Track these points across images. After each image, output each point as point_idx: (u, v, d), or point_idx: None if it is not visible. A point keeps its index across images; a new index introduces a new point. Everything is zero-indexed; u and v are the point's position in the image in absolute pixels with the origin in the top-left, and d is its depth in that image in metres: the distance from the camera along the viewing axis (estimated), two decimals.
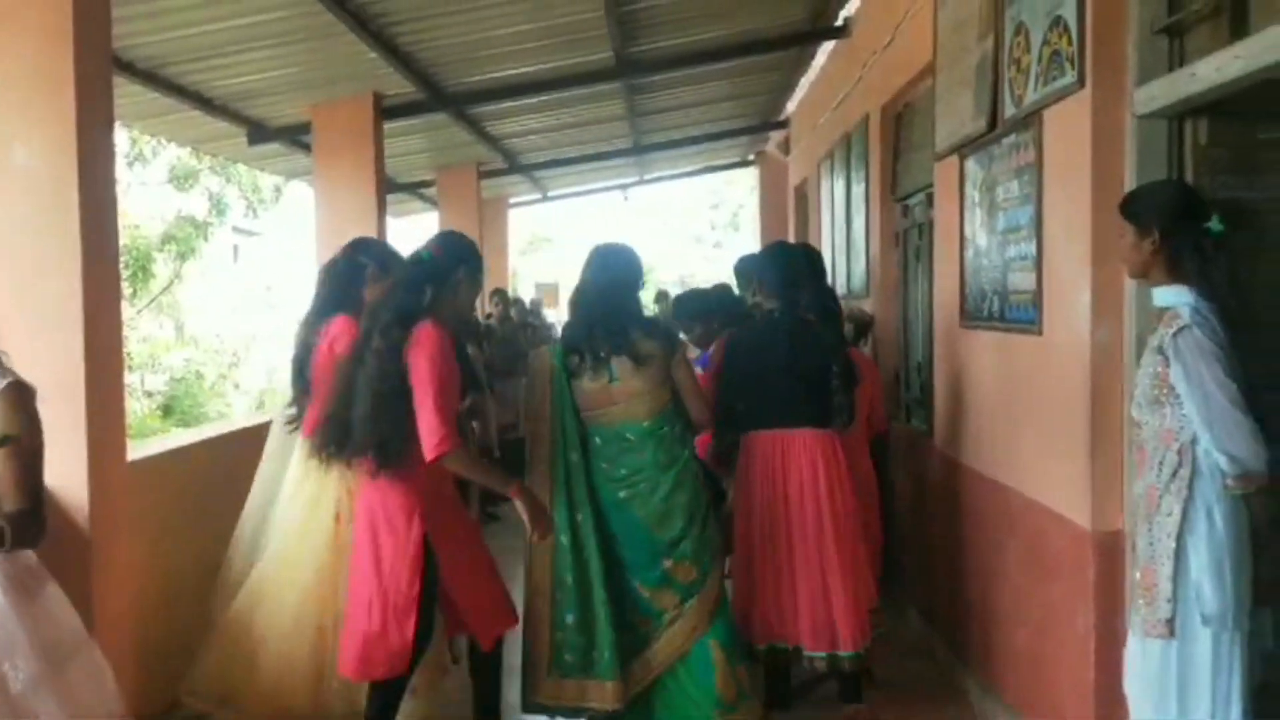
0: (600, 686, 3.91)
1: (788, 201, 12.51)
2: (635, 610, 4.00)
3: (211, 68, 6.30)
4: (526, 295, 16.72)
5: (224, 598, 4.16)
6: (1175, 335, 2.74)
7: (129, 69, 5.93)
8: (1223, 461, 2.69)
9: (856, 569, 4.32)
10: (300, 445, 4.04)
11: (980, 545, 4.59)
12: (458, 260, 3.74)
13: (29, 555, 2.72)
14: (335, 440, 3.64)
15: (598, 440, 4.02)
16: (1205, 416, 2.68)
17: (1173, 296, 2.83)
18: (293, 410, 4.15)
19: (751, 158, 14.83)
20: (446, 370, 3.53)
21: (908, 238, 6.47)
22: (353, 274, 4.15)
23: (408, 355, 3.51)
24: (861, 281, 7.39)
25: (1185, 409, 2.73)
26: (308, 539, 3.99)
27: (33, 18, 3.66)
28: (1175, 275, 2.84)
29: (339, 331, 3.98)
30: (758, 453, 4.37)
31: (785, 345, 4.38)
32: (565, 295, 7.43)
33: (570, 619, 3.93)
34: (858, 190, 7.50)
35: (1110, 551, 3.40)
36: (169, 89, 6.44)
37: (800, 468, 4.31)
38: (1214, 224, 2.79)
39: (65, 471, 3.64)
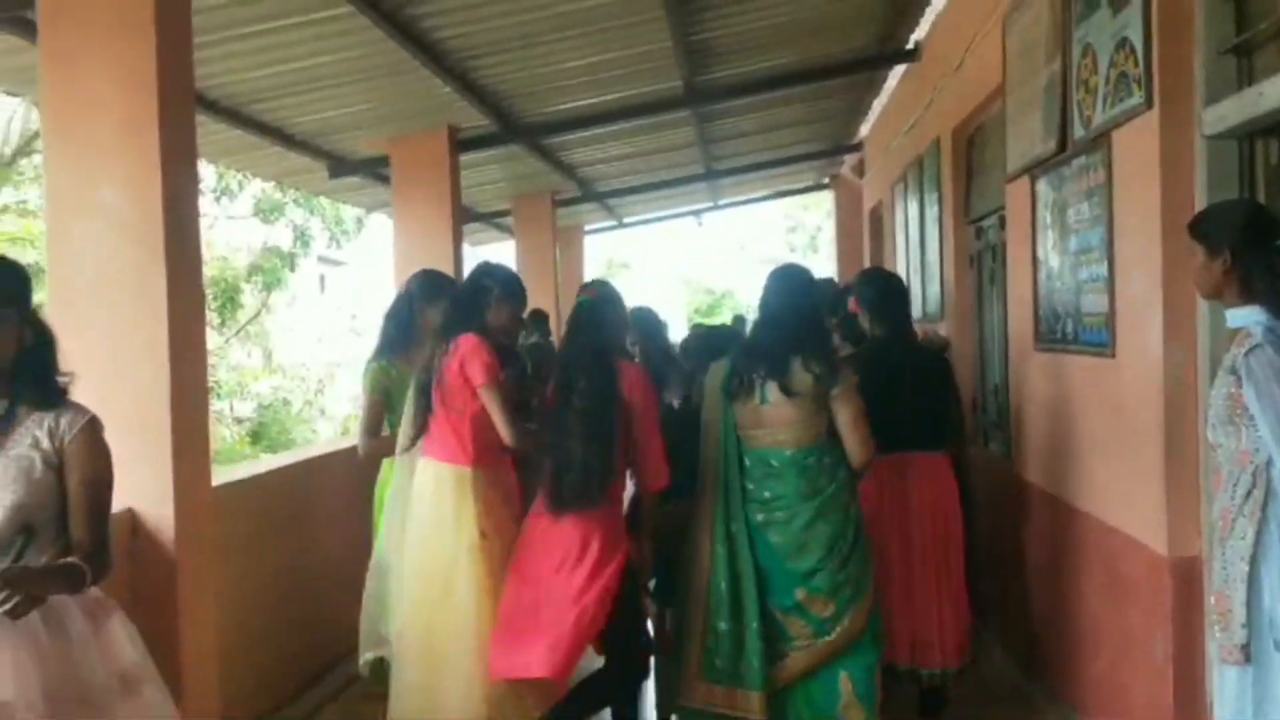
0: (747, 696, 3.89)
1: (863, 224, 12.45)
2: (771, 627, 3.96)
3: (291, 105, 6.48)
4: None
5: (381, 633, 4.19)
6: (1247, 354, 2.69)
7: (212, 107, 6.12)
8: None
9: (963, 589, 4.47)
10: (425, 466, 4.02)
11: (1058, 571, 4.52)
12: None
13: (94, 588, 2.77)
14: (579, 489, 3.79)
15: (746, 461, 4.02)
16: (1279, 436, 2.63)
17: (1245, 316, 2.78)
18: (411, 431, 4.08)
19: (826, 181, 14.77)
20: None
21: (981, 260, 6.41)
22: (477, 296, 4.13)
23: (625, 394, 3.82)
24: (936, 304, 7.33)
25: (1259, 430, 2.68)
26: (460, 560, 3.92)
27: (117, 60, 3.80)
28: (1248, 295, 2.79)
29: (469, 350, 3.93)
30: (883, 477, 4.34)
31: (906, 369, 4.45)
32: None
33: (723, 627, 3.92)
34: (931, 213, 7.46)
35: (1187, 577, 3.34)
36: (250, 126, 6.63)
37: (921, 490, 4.41)
38: None
39: (152, 497, 3.78)
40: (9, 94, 7.18)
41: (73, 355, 3.80)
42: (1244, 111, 3.05)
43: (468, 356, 3.91)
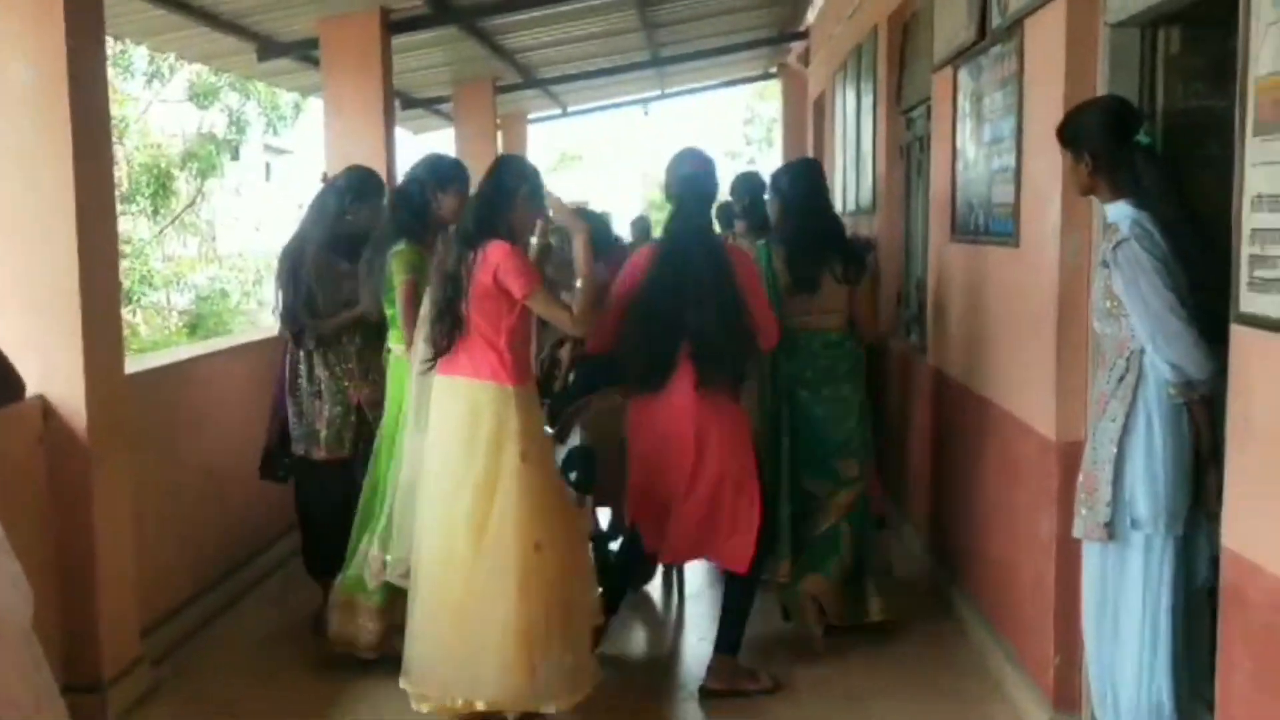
0: (776, 563, 4.31)
1: (807, 115, 12.38)
2: (806, 501, 4.43)
3: None
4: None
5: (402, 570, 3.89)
6: (1115, 248, 2.79)
7: None
8: (1165, 370, 2.74)
9: None
10: (454, 386, 3.69)
11: (962, 457, 4.66)
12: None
13: None
14: (723, 370, 3.90)
15: (795, 344, 4.36)
16: (1146, 326, 2.73)
17: (1116, 211, 2.88)
18: (431, 349, 3.72)
19: (774, 70, 14.64)
20: None
21: (910, 151, 6.43)
22: (504, 197, 3.74)
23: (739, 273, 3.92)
24: (869, 196, 7.36)
25: (1130, 318, 2.77)
26: (500, 485, 3.60)
27: None
28: (1117, 191, 2.88)
29: (503, 259, 3.60)
30: None
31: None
32: (591, 211, 7.48)
33: None
34: (866, 103, 7.44)
35: (1073, 461, 3.42)
36: (174, 5, 6.44)
37: None
38: (1141, 137, 2.85)
39: (64, 383, 3.78)
40: None
41: None
42: None
43: (503, 266, 3.59)
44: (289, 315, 4.45)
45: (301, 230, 4.56)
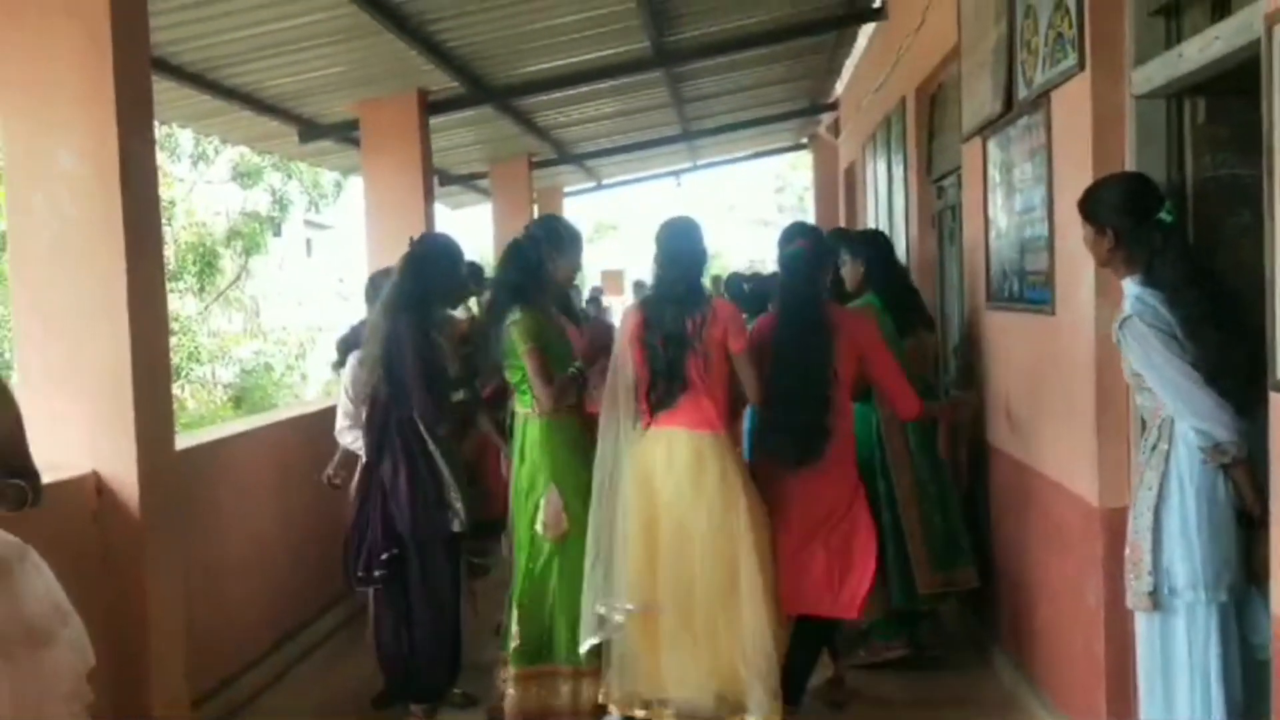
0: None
1: (838, 184, 12.49)
2: None
3: (258, 69, 6.51)
4: (593, 281, 17.08)
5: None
6: (1120, 327, 2.84)
7: (177, 72, 6.15)
8: (1193, 436, 2.75)
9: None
10: (675, 437, 3.96)
11: (1008, 524, 4.64)
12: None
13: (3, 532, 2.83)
14: (811, 446, 3.98)
15: None
16: (1168, 394, 2.78)
17: (1126, 287, 2.93)
18: (654, 404, 4.00)
19: (804, 141, 14.81)
20: None
21: (942, 219, 6.49)
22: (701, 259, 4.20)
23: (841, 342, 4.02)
24: (903, 264, 7.40)
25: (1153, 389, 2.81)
26: (739, 532, 3.90)
27: (72, 26, 3.84)
28: (1131, 268, 2.93)
29: (730, 316, 4.02)
30: None
31: None
32: (630, 280, 7.56)
33: (937, 519, 4.82)
34: (897, 172, 7.53)
35: (1118, 527, 3.42)
36: (219, 90, 6.66)
37: None
38: (1164, 215, 2.88)
39: (116, 459, 3.86)
40: None
41: (34, 319, 3.92)
42: (1167, 72, 3.12)
43: (730, 322, 3.97)
44: (424, 406, 4.24)
45: (400, 310, 4.29)
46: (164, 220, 15.45)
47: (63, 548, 3.71)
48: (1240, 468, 2.73)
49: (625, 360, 4.03)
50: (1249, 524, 2.79)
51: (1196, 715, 2.79)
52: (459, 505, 4.26)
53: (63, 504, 3.72)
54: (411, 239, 4.48)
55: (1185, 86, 3.19)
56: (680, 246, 4.11)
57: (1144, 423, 3.06)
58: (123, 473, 3.87)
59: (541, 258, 4.34)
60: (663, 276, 4.10)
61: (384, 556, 4.23)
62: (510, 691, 4.20)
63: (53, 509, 3.67)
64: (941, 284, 6.56)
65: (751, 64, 9.33)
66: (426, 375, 4.21)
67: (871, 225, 8.90)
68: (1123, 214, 2.93)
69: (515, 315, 4.21)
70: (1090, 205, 3.04)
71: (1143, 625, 2.91)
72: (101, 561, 3.86)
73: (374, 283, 4.85)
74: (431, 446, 4.25)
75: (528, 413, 4.29)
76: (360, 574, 4.30)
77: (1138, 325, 2.81)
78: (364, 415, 4.45)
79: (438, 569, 4.28)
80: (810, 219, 15.71)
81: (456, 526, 4.27)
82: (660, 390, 3.97)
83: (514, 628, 4.22)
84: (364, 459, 4.43)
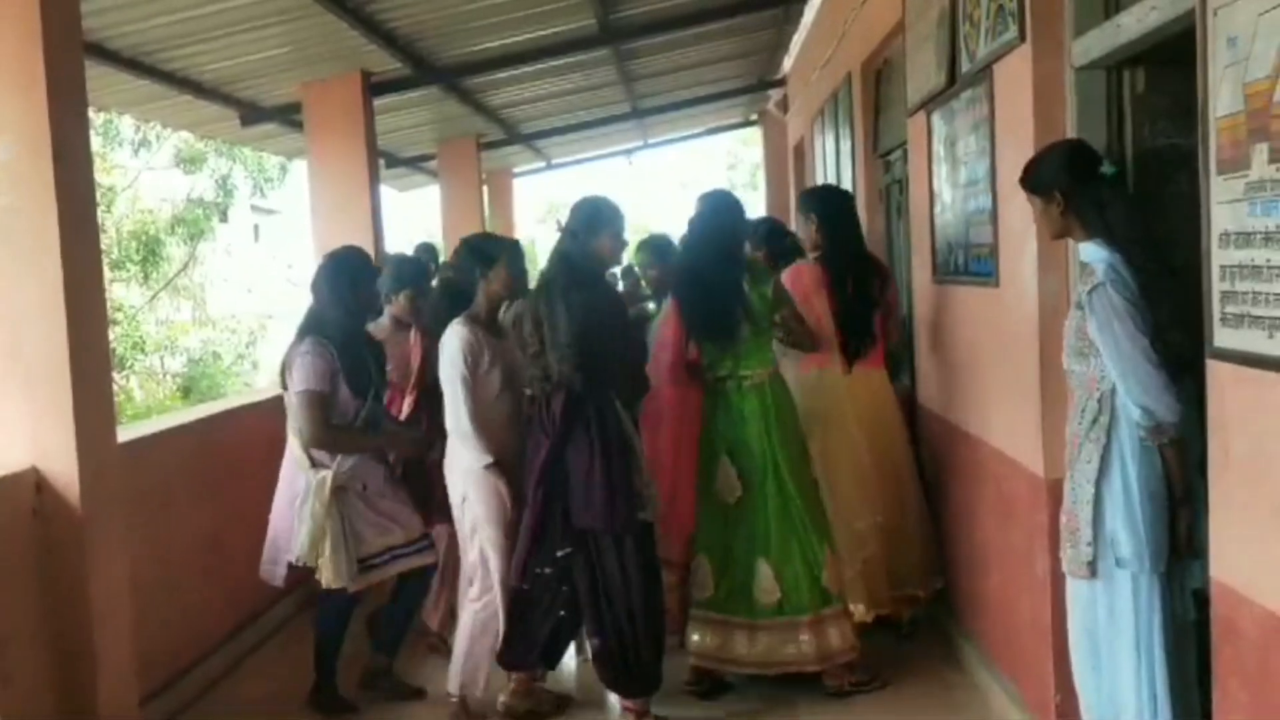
0: None
1: (788, 160, 12.51)
2: None
3: (196, 52, 6.38)
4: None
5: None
6: (1090, 292, 2.84)
7: (113, 57, 6.02)
8: (1136, 414, 2.77)
9: None
10: (870, 377, 4.93)
11: (955, 495, 4.68)
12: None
13: None
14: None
15: None
16: (1119, 370, 2.78)
17: (1091, 251, 2.92)
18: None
19: (754, 117, 14.82)
20: None
21: (890, 193, 6.51)
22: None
23: None
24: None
25: (1104, 361, 2.82)
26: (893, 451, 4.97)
27: (2, 13, 3.75)
28: (1088, 230, 2.93)
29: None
30: None
31: None
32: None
33: None
34: (845, 147, 7.54)
35: (1062, 497, 3.47)
36: (157, 75, 6.52)
37: None
38: (1106, 169, 2.89)
39: (55, 454, 3.78)
40: None
41: None
42: (1106, 43, 3.13)
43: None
44: (630, 380, 4.23)
45: (570, 289, 4.13)
46: (105, 208, 15.21)
47: (2, 545, 3.65)
48: (1170, 447, 2.77)
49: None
50: (1170, 500, 2.83)
51: (1143, 682, 2.83)
52: (650, 493, 4.11)
53: (1, 501, 3.65)
54: (559, 222, 4.36)
55: (1124, 57, 3.21)
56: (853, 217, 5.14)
57: (1073, 394, 3.07)
58: (63, 468, 3.79)
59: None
60: (843, 242, 4.90)
61: (559, 554, 4.07)
62: (695, 638, 4.38)
63: None
64: (891, 258, 6.58)
65: (699, 40, 9.29)
66: (624, 352, 4.19)
67: None
68: (1067, 174, 2.94)
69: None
70: (1033, 176, 3.04)
71: (1082, 592, 2.95)
72: (42, 559, 3.79)
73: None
74: (628, 430, 4.10)
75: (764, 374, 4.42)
76: (538, 570, 4.11)
77: (1110, 294, 2.79)
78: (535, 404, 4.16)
79: (629, 559, 4.04)
80: (762, 195, 15.72)
81: (650, 516, 4.11)
82: (861, 343, 4.86)
83: (703, 579, 4.37)
84: (540, 451, 4.07)
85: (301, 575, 4.63)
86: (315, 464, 4.20)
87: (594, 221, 4.19)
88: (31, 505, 3.77)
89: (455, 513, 4.29)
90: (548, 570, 4.09)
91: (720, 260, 4.41)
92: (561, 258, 4.18)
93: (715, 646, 4.35)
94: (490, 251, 4.29)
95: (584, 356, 3.97)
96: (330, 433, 4.17)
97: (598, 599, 4.06)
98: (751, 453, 4.33)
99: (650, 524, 4.13)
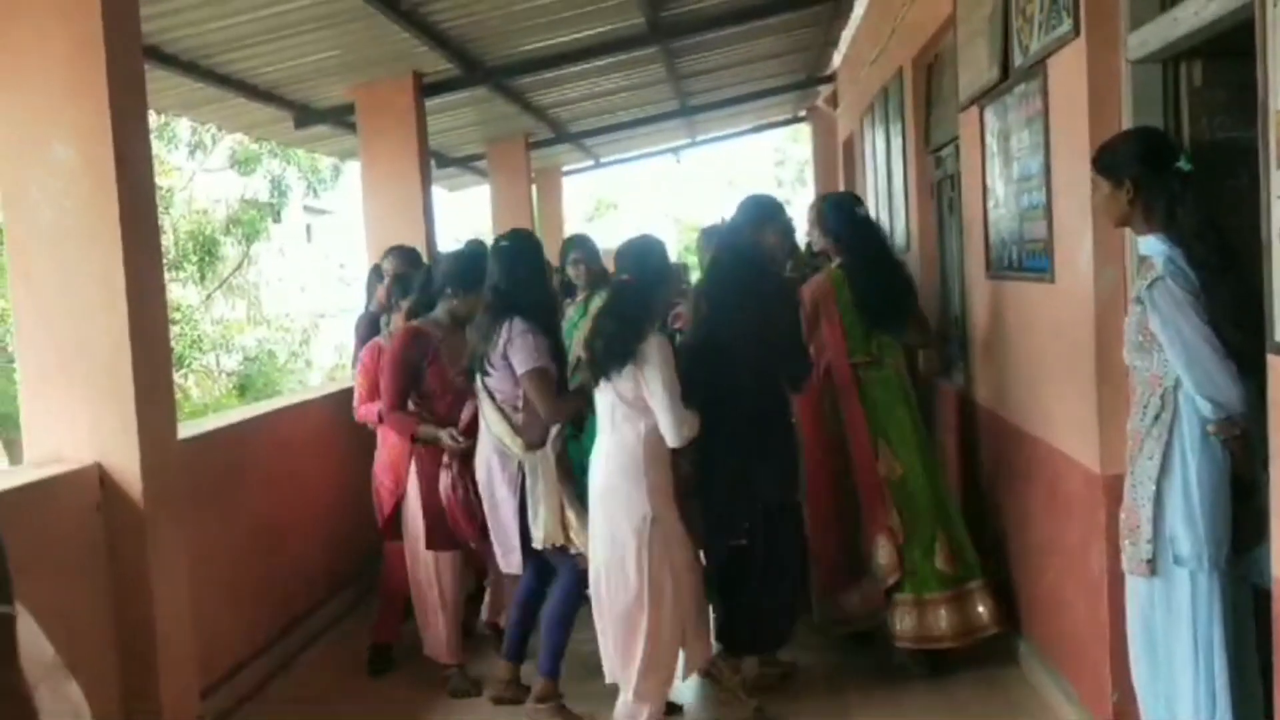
0: None
1: (837, 156, 12.44)
2: None
3: (250, 56, 6.48)
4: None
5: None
6: (1150, 287, 2.80)
7: (172, 61, 6.13)
8: (1205, 406, 2.73)
9: None
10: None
11: (1011, 492, 4.64)
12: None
13: None
14: None
15: None
16: (1185, 363, 2.74)
17: (1152, 245, 2.88)
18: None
19: (803, 114, 14.74)
20: None
21: (941, 189, 6.46)
22: None
23: None
24: (903, 235, 7.38)
25: (1167, 356, 2.78)
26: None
27: (63, 16, 3.83)
28: (1151, 223, 2.88)
29: None
30: None
31: None
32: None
33: None
34: (895, 143, 7.48)
35: (1120, 494, 3.42)
36: (212, 78, 6.63)
37: None
38: (1182, 163, 2.84)
39: (118, 450, 3.86)
40: None
41: (34, 312, 3.93)
42: (1162, 36, 3.09)
43: None
44: (796, 367, 4.34)
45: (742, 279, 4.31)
46: (162, 209, 15.46)
47: (67, 541, 3.73)
48: (1238, 440, 2.72)
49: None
50: (1237, 495, 2.79)
51: (1201, 680, 2.80)
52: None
53: (66, 497, 3.74)
54: (724, 218, 4.67)
55: (1181, 50, 3.17)
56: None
57: (1134, 389, 3.03)
58: (125, 464, 3.87)
59: None
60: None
61: (747, 526, 4.26)
62: (899, 621, 4.47)
63: (56, 502, 3.71)
64: (942, 254, 6.53)
65: (748, 37, 9.27)
66: (793, 334, 4.32)
67: (870, 197, 8.87)
68: (1142, 163, 2.89)
69: None
70: (1107, 158, 2.98)
71: (1141, 590, 2.92)
72: (106, 554, 3.87)
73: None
74: (794, 412, 4.37)
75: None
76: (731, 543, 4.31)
77: (1171, 287, 2.75)
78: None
79: (788, 534, 4.34)
80: (810, 192, 15.65)
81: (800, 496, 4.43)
82: None
83: (889, 561, 4.49)
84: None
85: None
86: (530, 445, 4.17)
87: (761, 217, 4.43)
88: (96, 500, 3.86)
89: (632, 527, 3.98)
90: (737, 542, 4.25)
91: (889, 252, 4.90)
92: (734, 252, 4.36)
93: (914, 628, 4.47)
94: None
95: (769, 343, 4.17)
96: (561, 403, 4.17)
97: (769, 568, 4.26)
98: (903, 433, 4.60)
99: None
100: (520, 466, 4.17)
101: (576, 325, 5.12)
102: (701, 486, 4.18)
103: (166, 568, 3.98)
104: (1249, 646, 2.81)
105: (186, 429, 4.76)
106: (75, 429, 3.91)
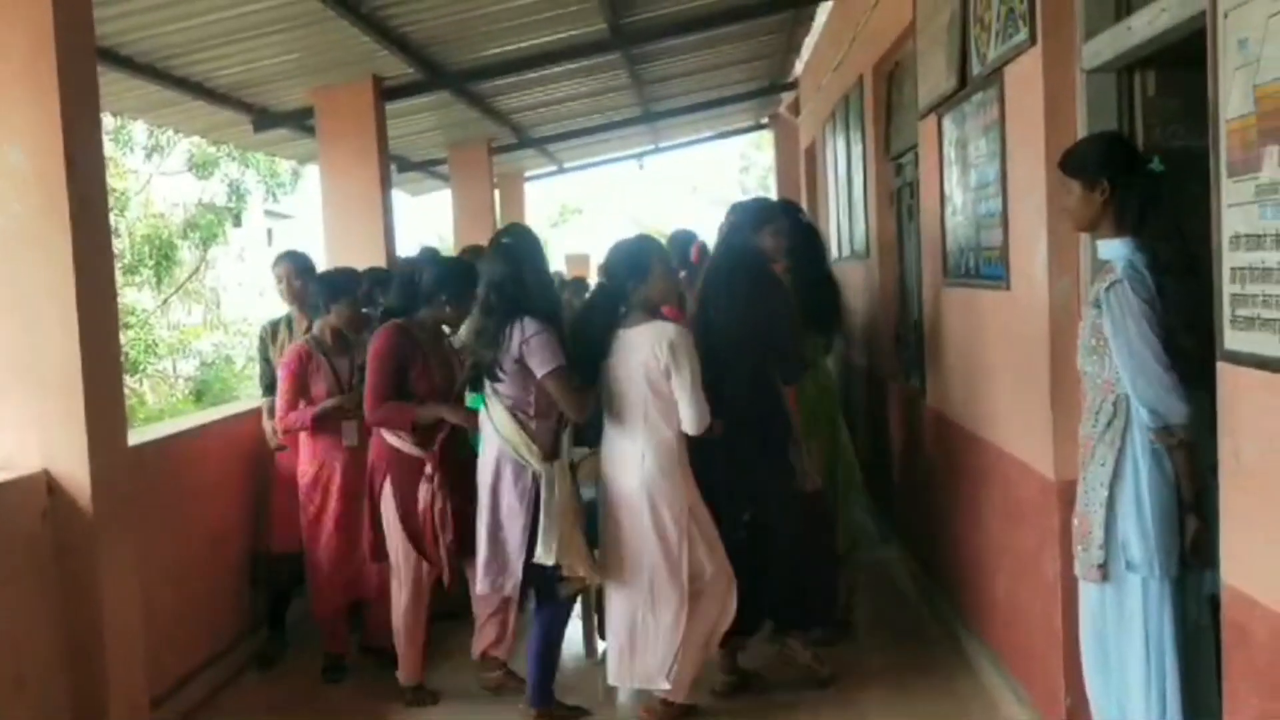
0: None
1: (799, 163, 12.50)
2: None
3: (209, 58, 6.41)
4: (557, 267, 16.94)
5: None
6: (1107, 290, 2.82)
7: (127, 63, 6.04)
8: (1144, 414, 2.76)
9: None
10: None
11: (964, 498, 4.67)
12: None
13: None
14: None
15: None
16: (1130, 370, 2.76)
17: (1114, 249, 2.90)
18: None
19: (765, 121, 14.80)
20: None
21: (901, 197, 6.50)
22: None
23: None
24: (862, 242, 7.42)
25: (1115, 359, 2.80)
26: None
27: (13, 18, 3.76)
28: (1120, 226, 2.90)
29: None
30: None
31: None
32: (595, 265, 7.50)
33: None
34: (856, 150, 7.53)
35: (1073, 500, 3.45)
36: (169, 81, 6.54)
37: None
38: (1155, 164, 2.86)
39: (66, 457, 3.79)
40: None
41: None
42: (1116, 45, 3.13)
43: None
44: (790, 362, 4.42)
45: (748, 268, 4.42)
46: (118, 213, 15.26)
47: (13, 548, 3.66)
48: (1181, 450, 2.75)
49: None
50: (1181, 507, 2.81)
51: (1153, 685, 2.82)
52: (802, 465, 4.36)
53: (12, 504, 3.67)
54: (733, 208, 4.69)
55: (1135, 59, 3.21)
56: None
57: (1085, 395, 3.05)
58: (74, 471, 3.80)
59: None
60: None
61: (745, 518, 4.28)
62: None
63: (2, 509, 3.63)
64: (901, 261, 6.57)
65: (710, 44, 9.29)
66: (788, 330, 4.37)
67: (831, 203, 8.93)
68: (1117, 164, 2.89)
69: None
70: (1077, 161, 2.97)
71: (1092, 596, 2.94)
72: (53, 562, 3.80)
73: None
74: (785, 404, 4.37)
75: None
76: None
77: (1126, 292, 2.77)
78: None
79: (796, 516, 4.33)
80: (774, 198, 15.70)
81: (809, 486, 4.36)
82: None
83: None
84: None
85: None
86: (547, 455, 4.06)
87: (758, 219, 4.51)
88: (43, 508, 3.78)
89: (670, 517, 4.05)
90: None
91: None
92: (733, 252, 4.48)
93: None
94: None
95: (770, 331, 4.27)
96: (585, 400, 4.08)
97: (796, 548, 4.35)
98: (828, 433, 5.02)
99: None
100: (535, 479, 4.03)
101: None
102: (701, 478, 4.17)
103: (116, 576, 3.91)
104: (1202, 657, 2.83)
105: (137, 435, 4.69)
106: (22, 435, 3.84)
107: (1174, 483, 2.78)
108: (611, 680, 4.17)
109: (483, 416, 4.17)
